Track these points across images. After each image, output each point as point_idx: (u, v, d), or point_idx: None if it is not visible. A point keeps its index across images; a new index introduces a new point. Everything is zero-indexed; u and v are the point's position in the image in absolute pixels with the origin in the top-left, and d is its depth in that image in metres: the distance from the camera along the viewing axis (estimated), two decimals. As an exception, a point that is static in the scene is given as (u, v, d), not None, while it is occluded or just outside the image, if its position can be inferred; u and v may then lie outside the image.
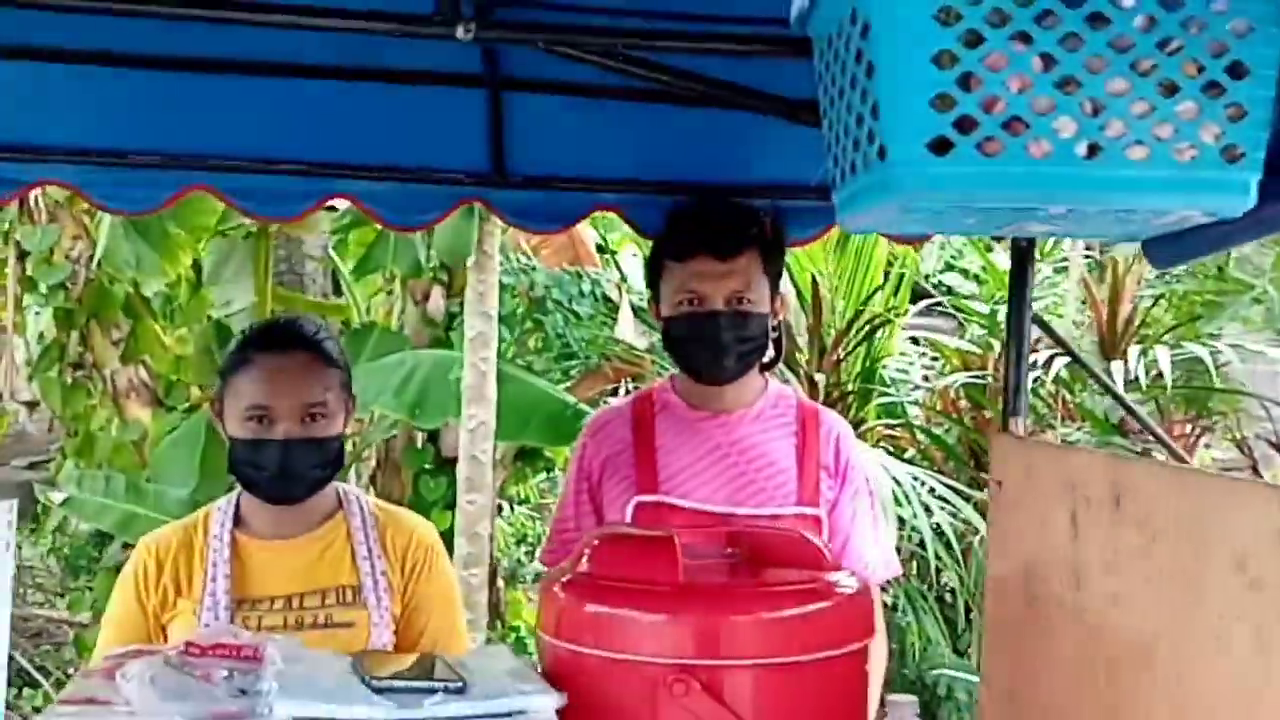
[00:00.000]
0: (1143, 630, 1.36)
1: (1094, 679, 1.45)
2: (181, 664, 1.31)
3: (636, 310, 5.60)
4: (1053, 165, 1.12)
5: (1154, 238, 1.38)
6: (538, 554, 2.96)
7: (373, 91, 2.29)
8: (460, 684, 1.27)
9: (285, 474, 1.97)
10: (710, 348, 2.05)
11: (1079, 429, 5.29)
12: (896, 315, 5.53)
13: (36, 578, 6.76)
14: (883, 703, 1.70)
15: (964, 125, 1.11)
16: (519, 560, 6.53)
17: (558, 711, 1.25)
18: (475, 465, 4.08)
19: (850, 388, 5.23)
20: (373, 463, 5.65)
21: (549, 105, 2.36)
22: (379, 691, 1.23)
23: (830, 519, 2.07)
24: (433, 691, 1.24)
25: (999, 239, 2.71)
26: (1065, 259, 7.16)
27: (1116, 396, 2.20)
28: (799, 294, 5.27)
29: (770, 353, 2.18)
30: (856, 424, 5.08)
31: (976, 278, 7.93)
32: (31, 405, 5.60)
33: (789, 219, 2.65)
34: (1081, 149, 1.13)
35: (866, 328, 5.32)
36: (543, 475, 6.66)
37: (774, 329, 2.14)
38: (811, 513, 2.04)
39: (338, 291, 6.25)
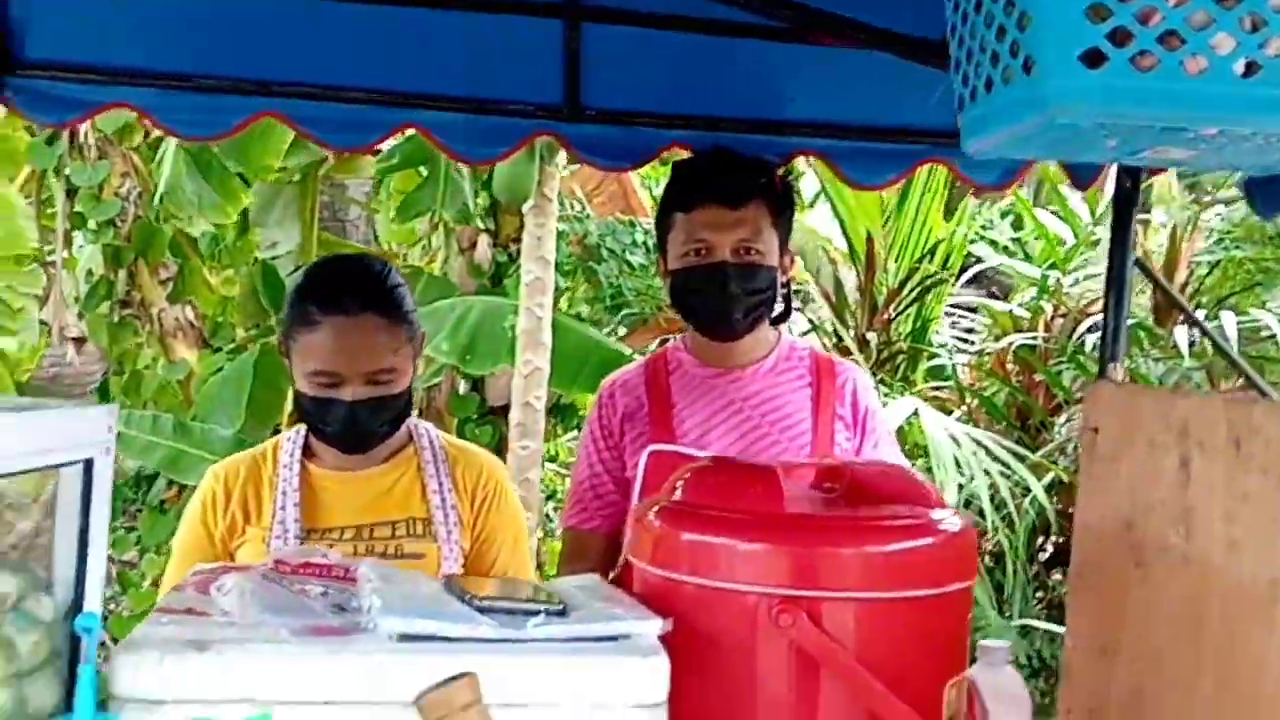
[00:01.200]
0: (1260, 578, 1.31)
1: (1204, 630, 1.40)
2: (277, 579, 1.28)
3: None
4: (1208, 83, 1.07)
5: (1263, 186, 1.33)
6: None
7: (447, 20, 2.25)
8: (561, 606, 1.25)
9: (352, 432, 1.95)
10: (718, 299, 2.02)
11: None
12: (950, 277, 5.47)
13: (77, 517, 6.79)
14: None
15: (1118, 38, 1.06)
16: (547, 515, 6.54)
17: (660, 637, 1.22)
18: (528, 411, 4.06)
19: (901, 348, 5.19)
20: (417, 412, 5.64)
21: (626, 38, 2.31)
22: (481, 610, 1.20)
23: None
24: (534, 613, 1.21)
25: (1081, 184, 2.64)
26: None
27: (1224, 352, 2.12)
28: (852, 251, 5.22)
29: (780, 306, 2.15)
30: (906, 384, 5.03)
31: (1006, 249, 7.84)
32: (79, 341, 5.61)
33: (859, 162, 2.61)
34: (1239, 67, 1.08)
35: (919, 288, 5.27)
36: (574, 433, 6.65)
37: (783, 285, 2.10)
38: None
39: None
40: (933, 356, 5.39)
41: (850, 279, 5.15)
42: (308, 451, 2.04)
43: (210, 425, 4.77)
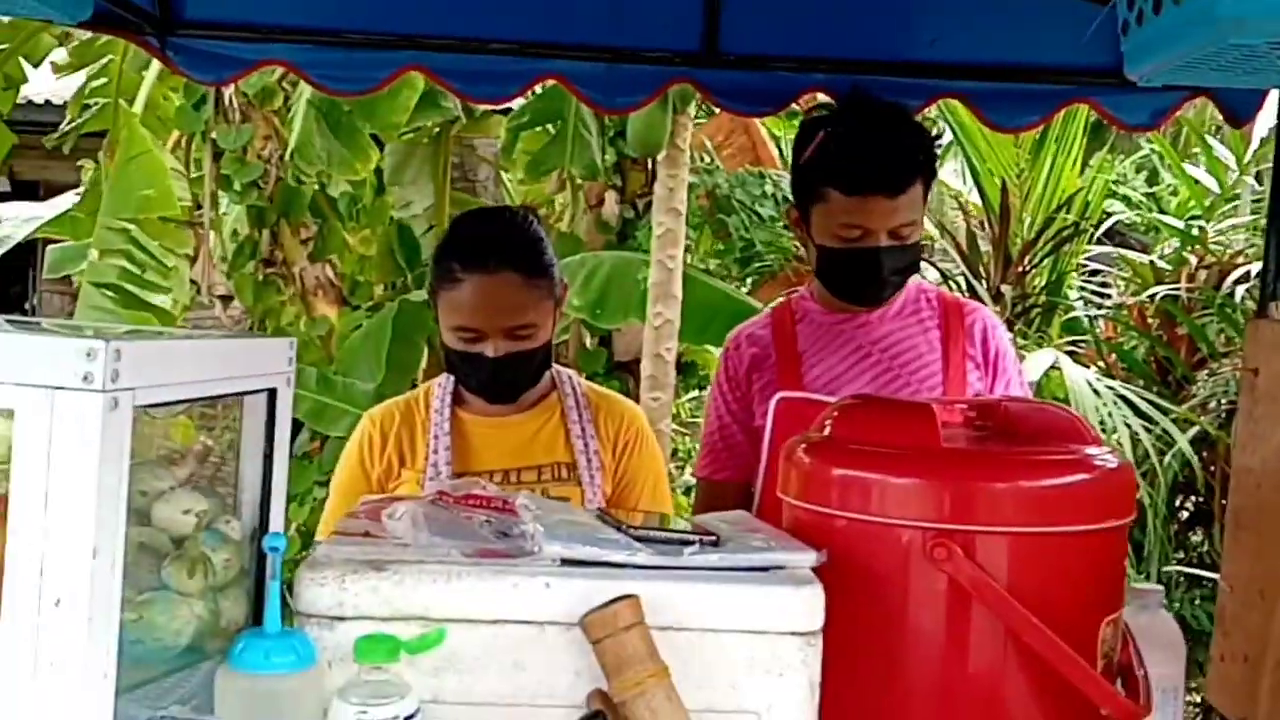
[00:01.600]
0: None
1: (1376, 570, 1.36)
2: (445, 506, 1.33)
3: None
4: (1398, -5, 1.02)
5: None
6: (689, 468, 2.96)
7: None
8: (715, 537, 1.27)
9: (496, 384, 2.01)
10: (871, 281, 2.01)
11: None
12: (1089, 228, 5.30)
13: (225, 467, 7.11)
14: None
15: (1299, -51, 1.02)
16: (670, 473, 6.57)
17: (813, 569, 1.23)
18: (659, 364, 4.08)
19: (1036, 301, 5.06)
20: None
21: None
22: (638, 539, 1.23)
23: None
24: (689, 543, 1.24)
25: (1237, 120, 2.53)
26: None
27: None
28: (985, 202, 5.10)
29: None
30: (1043, 337, 4.92)
31: (1141, 204, 7.53)
32: (226, 300, 5.84)
33: (1001, 104, 2.55)
34: None
35: (1055, 240, 5.12)
36: (695, 392, 6.66)
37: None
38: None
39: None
40: (1069, 310, 5.24)
41: (984, 231, 5.02)
42: (457, 398, 2.10)
43: (351, 379, 4.93)
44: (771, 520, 1.44)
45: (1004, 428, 1.47)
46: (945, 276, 5.09)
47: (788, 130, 5.62)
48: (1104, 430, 4.10)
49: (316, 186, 5.43)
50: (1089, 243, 6.01)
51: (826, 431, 1.45)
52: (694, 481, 2.32)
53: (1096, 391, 4.09)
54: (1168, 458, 4.26)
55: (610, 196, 5.49)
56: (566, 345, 5.67)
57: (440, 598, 1.13)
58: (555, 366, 2.16)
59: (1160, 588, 1.62)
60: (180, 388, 1.00)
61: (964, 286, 4.96)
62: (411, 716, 1.05)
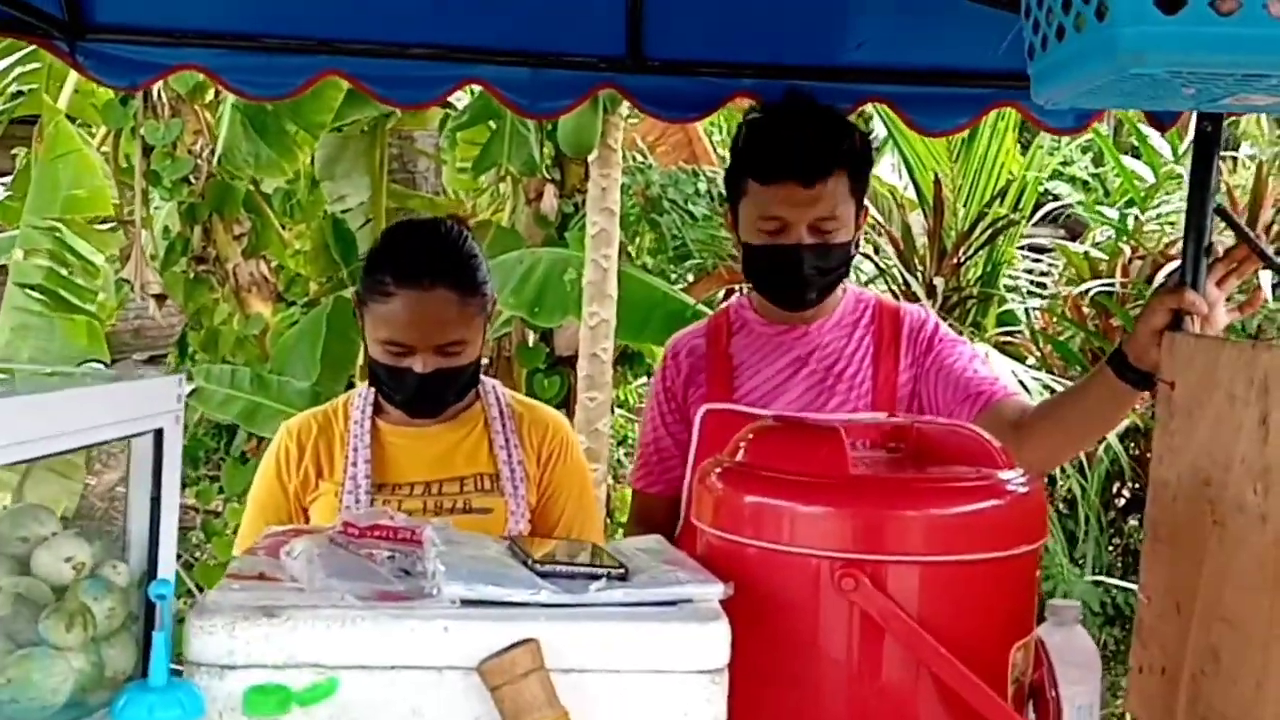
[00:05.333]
0: (1343, 540, 1.27)
1: (1282, 590, 1.37)
2: (344, 543, 1.30)
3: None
4: (1293, 27, 1.01)
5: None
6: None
7: (507, -28, 2.23)
8: (622, 570, 1.25)
9: (422, 400, 1.98)
10: (791, 281, 1.98)
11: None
12: (1021, 219, 5.34)
13: (160, 468, 7.00)
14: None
15: (1196, -20, 1.01)
16: (619, 461, 6.57)
17: (721, 602, 1.22)
18: (595, 363, 4.06)
19: (971, 293, 5.09)
20: (486, 361, 5.69)
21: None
22: (543, 575, 1.21)
23: (936, 380, 2.02)
24: (596, 577, 1.22)
25: (1161, 126, 2.55)
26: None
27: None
28: (920, 195, 5.13)
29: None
30: (976, 330, 4.95)
31: (1085, 184, 7.62)
32: (160, 298, 5.73)
33: (928, 108, 2.55)
34: (1326, 9, 1.02)
35: (989, 231, 5.15)
36: (644, 379, 6.66)
37: (855, 245, 2.04)
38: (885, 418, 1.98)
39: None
40: (1003, 301, 5.29)
41: (919, 224, 5.05)
42: (378, 408, 2.07)
43: (286, 378, 4.87)
44: (694, 536, 1.42)
45: (917, 450, 1.46)
46: (881, 271, 5.11)
47: (726, 126, 5.61)
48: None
49: (250, 183, 5.34)
50: (1033, 227, 6.05)
51: (740, 456, 1.43)
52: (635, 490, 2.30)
53: (1024, 385, 4.13)
54: (1099, 450, 4.31)
55: (549, 191, 5.46)
56: (508, 340, 5.64)
57: (334, 644, 1.10)
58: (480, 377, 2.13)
59: (1077, 604, 1.63)
60: (46, 442, 0.96)
61: (900, 280, 4.99)
62: (302, 770, 1.02)
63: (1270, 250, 1.82)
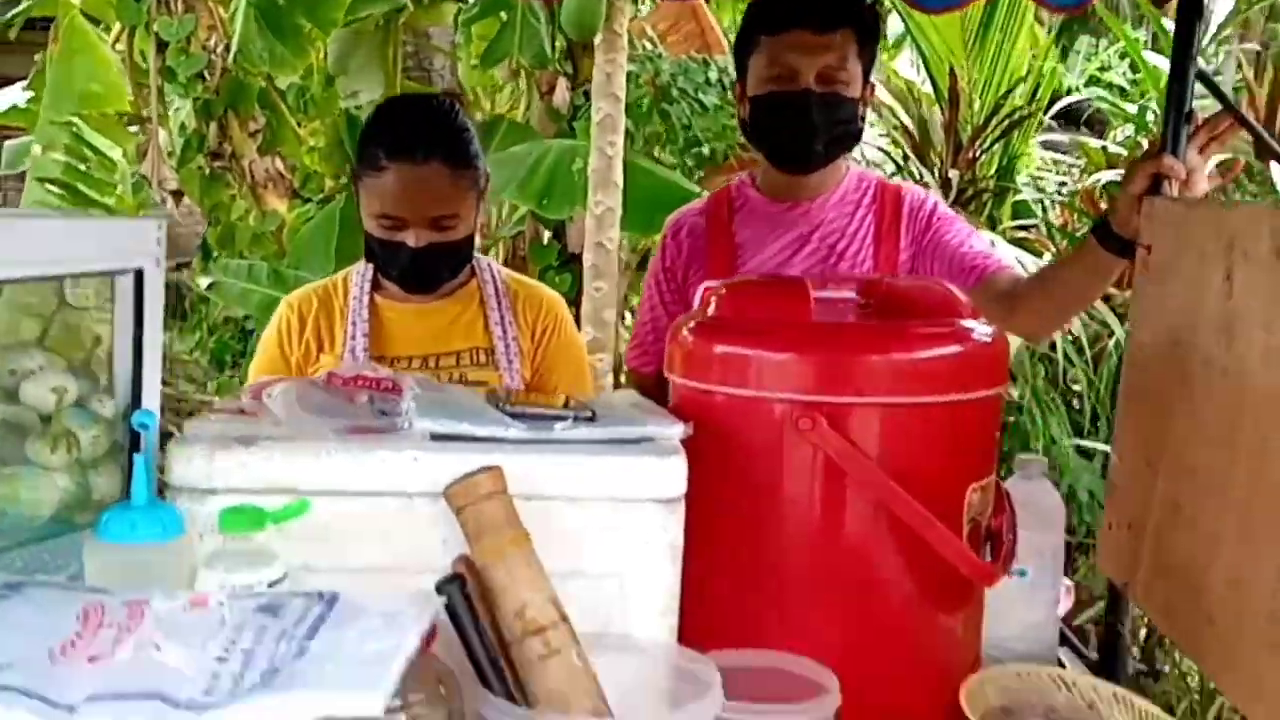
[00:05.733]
0: (1297, 386, 1.30)
1: (1239, 436, 1.40)
2: (324, 387, 1.36)
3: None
4: None
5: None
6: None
7: None
8: (590, 413, 1.30)
9: (416, 274, 2.02)
10: (799, 128, 1.97)
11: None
12: (1037, 112, 5.26)
13: (187, 369, 7.14)
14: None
15: None
16: (623, 355, 6.57)
17: (683, 441, 1.26)
18: (601, 252, 4.08)
19: (985, 186, 5.05)
20: (501, 260, 5.73)
21: None
22: (513, 416, 1.26)
23: (933, 256, 2.04)
24: (563, 418, 1.27)
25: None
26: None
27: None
28: (935, 88, 5.06)
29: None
30: (991, 223, 4.92)
31: (1123, 91, 7.47)
32: (177, 195, 5.78)
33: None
34: None
35: (1005, 124, 5.09)
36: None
37: (861, 116, 2.04)
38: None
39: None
40: (1018, 194, 5.24)
41: (935, 118, 4.99)
42: (376, 284, 2.11)
43: (302, 273, 4.92)
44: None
45: (885, 304, 1.49)
46: (899, 166, 5.07)
47: (736, 14, 5.52)
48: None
49: (263, 79, 5.35)
50: (1058, 126, 5.96)
51: (710, 311, 1.47)
52: (631, 370, 2.33)
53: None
54: (1109, 344, 4.31)
55: (561, 83, 5.42)
56: (521, 239, 5.66)
57: (309, 472, 1.16)
58: (475, 254, 2.17)
59: (1043, 459, 1.68)
60: (24, 265, 1.01)
61: (916, 175, 4.95)
62: (277, 582, 1.08)
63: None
